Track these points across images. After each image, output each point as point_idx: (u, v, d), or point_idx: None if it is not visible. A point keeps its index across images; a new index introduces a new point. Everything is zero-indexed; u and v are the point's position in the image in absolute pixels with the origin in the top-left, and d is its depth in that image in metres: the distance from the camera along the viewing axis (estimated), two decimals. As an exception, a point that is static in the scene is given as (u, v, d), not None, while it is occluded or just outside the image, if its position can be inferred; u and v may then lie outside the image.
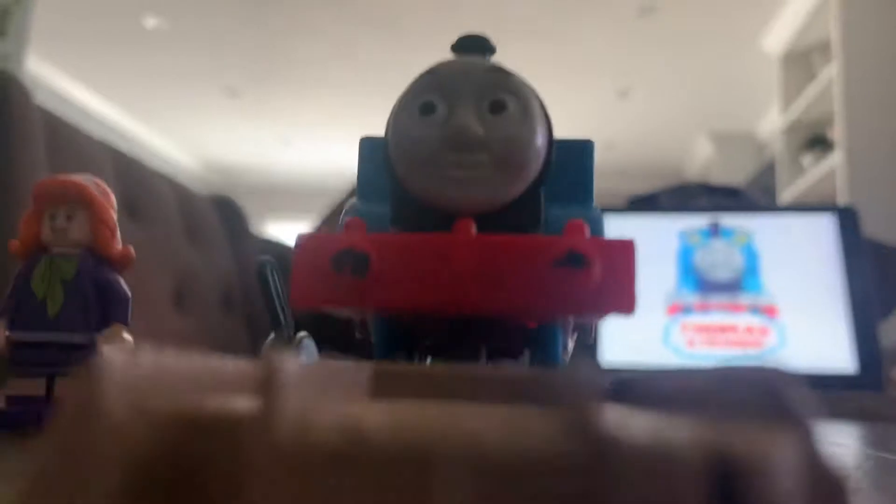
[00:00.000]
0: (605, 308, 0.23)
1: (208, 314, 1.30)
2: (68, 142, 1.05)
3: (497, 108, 0.26)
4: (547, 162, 0.27)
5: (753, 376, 0.13)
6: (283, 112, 4.48)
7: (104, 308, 0.34)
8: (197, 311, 1.26)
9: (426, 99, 0.26)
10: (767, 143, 4.22)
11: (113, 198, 0.35)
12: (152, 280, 1.14)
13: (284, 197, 5.56)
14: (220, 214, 1.46)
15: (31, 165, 0.93)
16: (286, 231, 5.06)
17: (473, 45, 0.29)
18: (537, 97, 0.27)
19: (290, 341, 0.33)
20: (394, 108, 0.28)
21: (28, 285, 0.33)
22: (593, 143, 0.29)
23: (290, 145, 4.97)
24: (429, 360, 0.28)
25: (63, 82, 4.13)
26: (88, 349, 0.33)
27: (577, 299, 0.23)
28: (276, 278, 0.33)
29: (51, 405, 0.32)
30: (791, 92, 3.01)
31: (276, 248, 1.65)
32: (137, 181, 1.20)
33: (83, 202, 0.34)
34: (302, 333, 0.34)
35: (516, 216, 0.27)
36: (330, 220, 1.55)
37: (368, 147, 0.30)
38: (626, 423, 0.10)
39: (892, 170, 2.41)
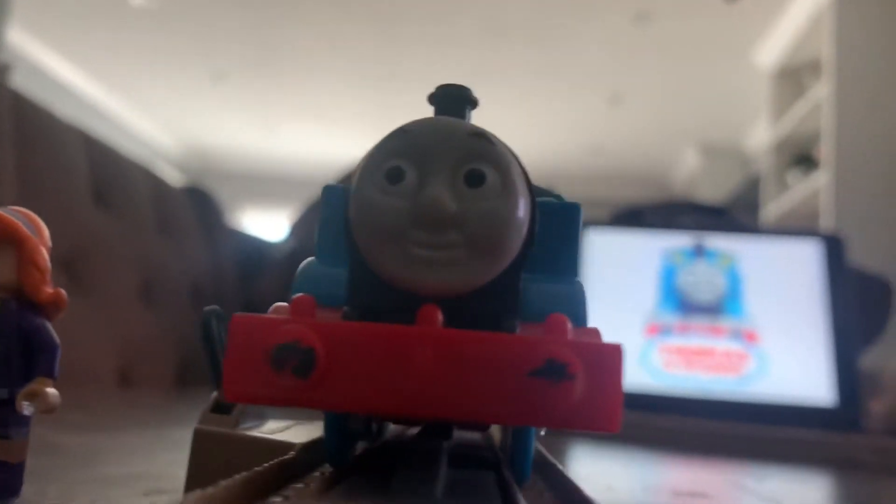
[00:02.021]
0: (584, 425, 0.20)
1: (176, 309, 1.26)
2: (39, 127, 1.01)
3: (474, 180, 0.23)
4: (528, 241, 0.23)
5: None
6: (268, 100, 4.43)
7: (29, 358, 0.30)
8: (164, 306, 1.22)
9: (394, 164, 0.23)
10: (754, 158, 4.22)
11: (47, 234, 0.31)
12: (118, 272, 1.11)
13: (263, 185, 5.50)
14: (194, 206, 1.43)
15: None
16: (263, 220, 5.03)
17: (455, 98, 0.25)
18: (520, 165, 0.24)
19: (232, 403, 0.29)
20: (357, 167, 0.24)
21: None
22: (580, 206, 0.26)
23: (272, 134, 4.92)
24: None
25: (44, 56, 4.06)
26: (7, 404, 0.29)
27: (553, 414, 0.19)
28: (222, 331, 0.29)
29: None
30: (780, 108, 3.00)
31: (250, 243, 1.61)
32: (110, 169, 1.16)
33: (10, 240, 0.30)
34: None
35: (490, 302, 0.23)
36: (304, 221, 1.52)
37: (332, 197, 0.26)
38: None
39: (877, 191, 2.40)
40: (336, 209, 0.25)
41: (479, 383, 0.19)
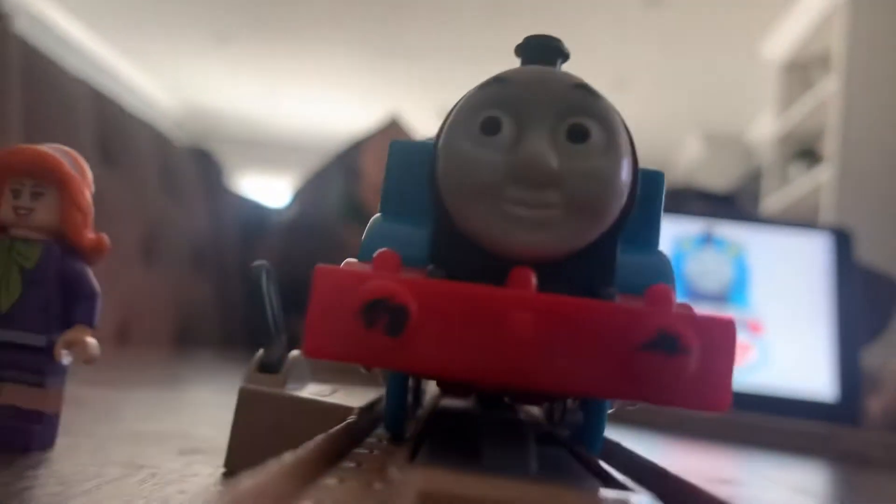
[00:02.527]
0: (693, 403, 0.18)
1: (177, 269, 1.25)
2: (47, 77, 0.99)
3: (578, 135, 0.21)
4: (628, 206, 0.22)
5: None
6: (272, 65, 4.38)
7: (68, 305, 0.28)
8: (165, 266, 1.21)
9: (490, 114, 0.21)
10: (756, 150, 4.20)
11: (90, 176, 0.30)
12: (121, 229, 1.09)
13: (263, 151, 5.47)
14: (197, 167, 1.41)
15: (4, 103, 0.87)
16: (262, 185, 5.00)
17: (544, 50, 0.24)
18: (624, 124, 0.22)
19: (279, 362, 0.28)
20: (447, 117, 0.22)
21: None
22: (664, 174, 0.24)
23: (274, 100, 4.88)
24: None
25: (46, 7, 4.01)
26: (44, 352, 0.28)
27: (663, 390, 0.18)
28: (272, 286, 0.28)
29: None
30: (786, 101, 2.98)
31: (251, 207, 1.60)
32: (116, 125, 1.15)
33: (55, 180, 0.28)
34: (295, 353, 0.29)
35: (586, 268, 0.22)
36: (308, 188, 1.50)
37: (400, 153, 0.24)
38: None
39: (881, 189, 2.39)
40: (403, 165, 0.24)
41: (582, 354, 0.18)
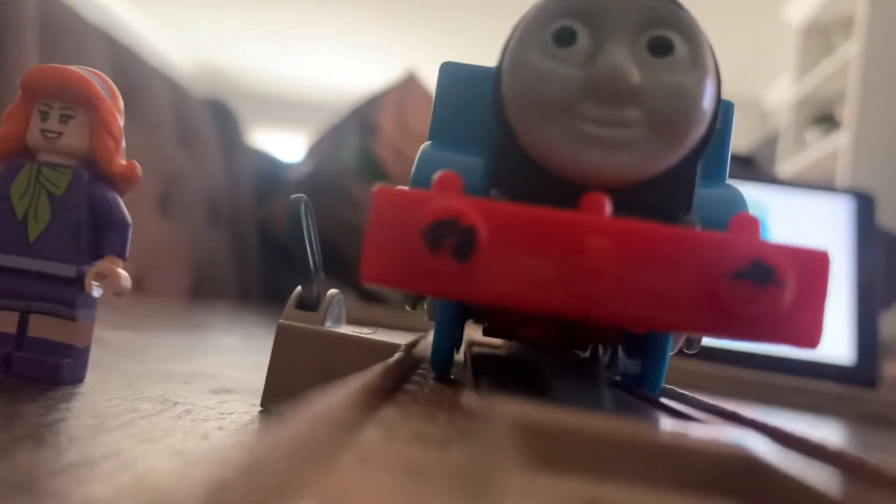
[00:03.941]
0: (785, 339, 0.17)
1: (193, 222, 1.24)
2: (63, 25, 0.98)
3: (660, 48, 0.19)
4: (711, 128, 0.20)
5: None
6: (285, 20, 4.34)
7: (98, 235, 0.27)
8: (181, 218, 1.20)
9: (564, 24, 0.19)
10: (772, 114, 4.16)
11: (121, 101, 0.29)
12: (138, 180, 1.08)
13: (276, 107, 5.43)
14: (214, 119, 1.40)
15: (20, 51, 0.86)
16: (274, 142, 4.98)
17: None
18: (708, 41, 0.20)
19: (318, 298, 0.27)
20: (514, 29, 0.21)
21: (6, 198, 0.26)
22: (733, 104, 0.23)
23: (287, 55, 4.84)
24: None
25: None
26: (74, 284, 0.27)
27: (754, 323, 0.17)
28: (311, 220, 0.27)
29: (23, 347, 0.27)
30: (805, 65, 2.94)
31: (266, 161, 1.58)
32: (132, 75, 1.13)
33: (85, 102, 0.27)
34: (333, 291, 0.28)
35: (665, 195, 0.20)
36: (322, 144, 1.48)
37: (451, 76, 0.23)
38: None
39: (898, 156, 2.37)
40: (454, 88, 0.23)
41: (666, 284, 0.17)
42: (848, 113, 2.51)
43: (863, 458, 0.15)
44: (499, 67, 0.21)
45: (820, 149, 2.68)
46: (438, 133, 0.23)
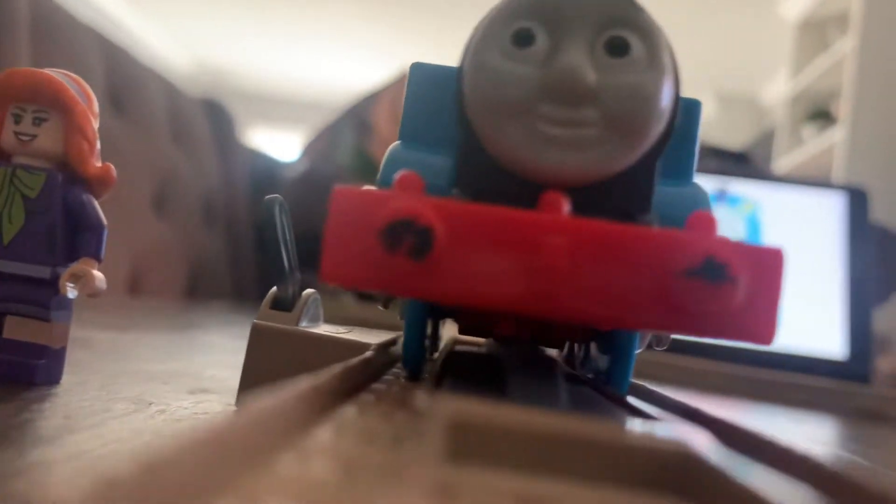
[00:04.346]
0: (738, 335, 0.17)
1: (187, 222, 1.25)
2: (56, 25, 0.98)
3: (618, 49, 0.20)
4: (668, 128, 0.20)
5: None
6: (285, 19, 4.34)
7: (73, 237, 0.28)
8: (176, 218, 1.20)
9: (523, 25, 0.20)
10: (769, 110, 4.16)
11: (96, 104, 0.29)
12: (132, 179, 1.08)
13: (272, 106, 5.43)
14: (209, 119, 1.40)
15: (12, 52, 0.86)
16: (271, 141, 4.98)
17: None
18: (667, 40, 0.21)
19: (293, 299, 0.27)
20: (475, 30, 0.21)
21: (-21, 201, 0.27)
22: (700, 103, 0.23)
23: (284, 55, 4.83)
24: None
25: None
26: (49, 285, 0.27)
27: (707, 320, 0.17)
28: (285, 220, 0.27)
29: (-3, 350, 0.27)
30: (801, 61, 2.94)
31: (262, 160, 1.58)
32: (126, 75, 1.13)
33: (59, 105, 0.27)
34: (309, 291, 0.28)
35: (623, 194, 0.20)
36: (317, 143, 1.49)
37: (421, 76, 0.23)
38: None
39: (894, 151, 2.37)
40: (424, 89, 0.23)
41: (620, 282, 0.17)
42: (844, 109, 2.51)
43: (807, 454, 0.15)
44: (460, 68, 0.21)
45: (816, 144, 2.68)
46: (408, 133, 0.23)
